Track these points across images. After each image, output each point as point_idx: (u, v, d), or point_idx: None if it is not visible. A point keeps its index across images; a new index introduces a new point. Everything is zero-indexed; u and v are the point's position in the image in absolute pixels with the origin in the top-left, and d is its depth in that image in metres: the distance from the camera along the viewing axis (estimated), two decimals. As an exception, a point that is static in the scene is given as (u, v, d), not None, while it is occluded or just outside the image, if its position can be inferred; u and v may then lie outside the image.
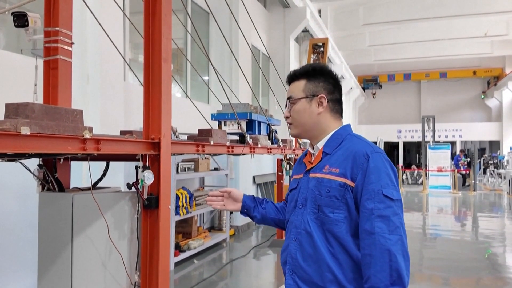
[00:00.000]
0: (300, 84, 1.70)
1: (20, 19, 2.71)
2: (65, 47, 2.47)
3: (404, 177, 20.66)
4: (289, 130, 1.77)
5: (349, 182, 1.53)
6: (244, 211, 1.94)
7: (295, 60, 14.99)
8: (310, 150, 1.74)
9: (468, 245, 7.79)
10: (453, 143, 24.75)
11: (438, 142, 20.68)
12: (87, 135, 1.75)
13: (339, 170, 1.55)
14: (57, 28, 2.45)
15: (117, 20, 5.11)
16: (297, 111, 1.68)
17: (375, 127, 28.07)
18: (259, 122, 4.66)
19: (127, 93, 5.71)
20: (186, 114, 5.69)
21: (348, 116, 25.97)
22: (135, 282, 2.27)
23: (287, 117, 1.74)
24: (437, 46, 21.96)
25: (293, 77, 1.74)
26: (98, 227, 2.20)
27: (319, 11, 17.02)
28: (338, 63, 20.53)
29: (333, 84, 1.70)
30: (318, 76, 1.69)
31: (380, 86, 29.64)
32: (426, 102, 29.51)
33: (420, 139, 19.94)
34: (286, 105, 1.76)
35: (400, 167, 19.67)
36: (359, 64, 25.61)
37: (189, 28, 7.73)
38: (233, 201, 1.94)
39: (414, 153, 30.50)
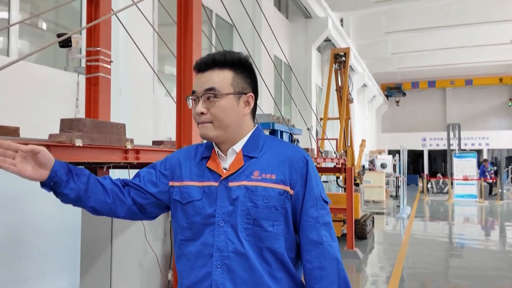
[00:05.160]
0: (226, 75, 1.38)
1: (64, 40, 2.98)
2: (105, 65, 2.71)
3: (429, 186, 20.38)
4: (202, 130, 1.38)
5: (288, 189, 1.35)
6: (50, 184, 1.34)
7: (317, 70, 15.14)
8: (220, 153, 1.42)
9: (495, 255, 7.70)
10: (479, 151, 24.27)
11: (464, 150, 20.35)
12: (129, 146, 1.97)
13: (276, 176, 1.35)
14: (98, 48, 2.70)
15: (147, 34, 5.39)
16: (223, 108, 1.35)
17: (399, 135, 27.81)
18: (281, 132, 4.83)
19: (156, 104, 5.99)
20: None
21: (371, 124, 25.84)
22: (168, 281, 2.46)
23: (202, 113, 1.37)
24: (462, 53, 21.71)
25: (213, 63, 1.39)
26: (135, 230, 2.41)
27: (341, 20, 17.15)
28: (361, 71, 20.56)
29: (256, 82, 1.47)
30: (244, 69, 1.43)
31: (404, 94, 29.39)
32: (452, 110, 29.09)
33: (446, 147, 19.68)
34: (198, 97, 1.38)
35: (425, 176, 19.44)
36: (382, 72, 25.51)
37: (213, 40, 7.99)
38: (37, 165, 1.31)
39: (440, 162, 30.01)
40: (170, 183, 1.46)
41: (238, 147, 1.41)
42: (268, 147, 1.42)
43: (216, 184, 1.37)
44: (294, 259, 1.40)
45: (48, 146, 1.61)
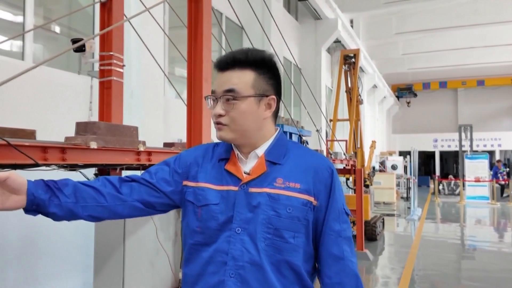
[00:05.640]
0: (247, 77, 1.29)
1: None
2: (118, 69, 2.78)
3: (440, 187, 20.23)
4: (219, 132, 1.32)
5: (312, 199, 1.30)
6: (33, 208, 1.24)
7: (326, 71, 15.14)
8: (240, 155, 1.35)
9: (507, 257, 7.64)
10: (491, 153, 24.00)
11: (476, 151, 20.15)
12: (141, 148, 2.03)
13: (301, 185, 1.29)
14: (111, 53, 2.77)
15: (158, 37, 5.46)
16: (242, 111, 1.28)
17: (410, 136, 27.64)
18: (290, 134, 4.86)
19: (166, 107, 6.07)
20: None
21: (382, 125, 25.71)
22: (179, 280, 2.51)
23: (220, 115, 1.30)
24: (473, 54, 21.52)
25: (234, 63, 1.30)
26: (147, 230, 2.47)
27: (351, 21, 17.13)
28: (371, 72, 20.49)
29: (280, 83, 1.38)
30: (267, 70, 1.33)
31: (415, 95, 29.19)
32: (463, 111, 28.81)
33: (457, 149, 19.52)
34: (217, 98, 1.31)
35: (436, 177, 19.31)
36: (393, 73, 25.38)
37: (223, 43, 8.06)
38: (9, 192, 1.19)
39: (451, 163, 29.74)
40: (184, 183, 1.37)
41: (260, 151, 1.33)
42: (292, 154, 1.35)
43: (235, 188, 1.30)
44: (310, 272, 1.35)
45: (64, 149, 1.67)
